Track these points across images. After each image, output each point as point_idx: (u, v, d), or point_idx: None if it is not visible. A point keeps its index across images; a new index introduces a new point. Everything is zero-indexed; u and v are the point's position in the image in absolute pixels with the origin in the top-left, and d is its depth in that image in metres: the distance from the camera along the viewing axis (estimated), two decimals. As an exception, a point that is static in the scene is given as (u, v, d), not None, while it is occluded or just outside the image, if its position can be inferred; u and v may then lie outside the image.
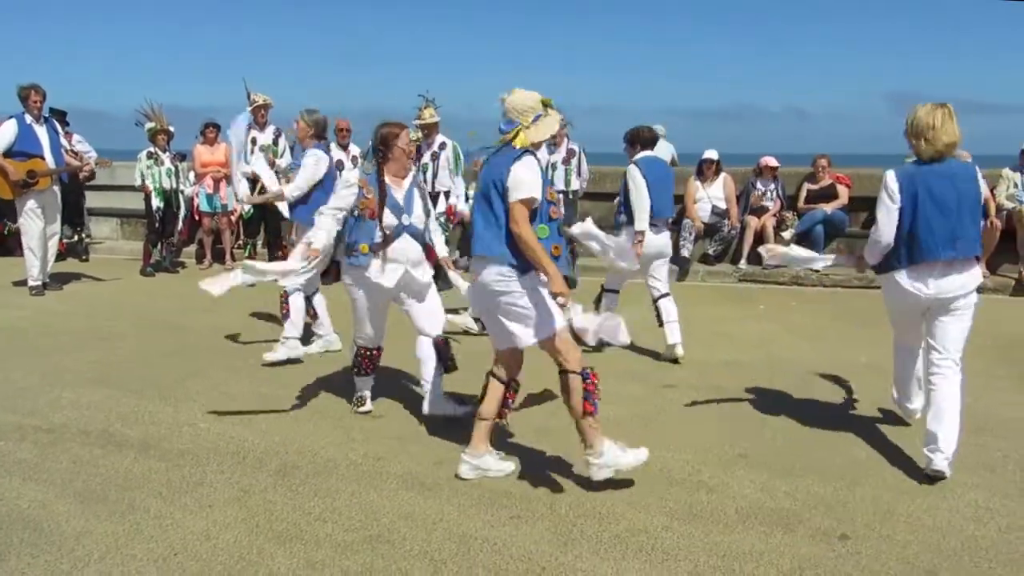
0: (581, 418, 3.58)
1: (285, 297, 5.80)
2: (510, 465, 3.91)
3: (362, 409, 4.74)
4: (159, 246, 9.91)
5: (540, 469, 3.94)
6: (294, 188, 5.80)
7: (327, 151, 5.98)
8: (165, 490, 3.71)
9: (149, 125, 9.49)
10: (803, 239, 9.02)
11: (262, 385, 5.27)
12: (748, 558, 3.12)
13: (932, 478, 3.75)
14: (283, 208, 6.19)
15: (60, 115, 9.80)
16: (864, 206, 9.79)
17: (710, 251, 9.70)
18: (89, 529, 3.33)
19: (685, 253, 9.28)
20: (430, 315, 4.62)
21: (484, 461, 3.84)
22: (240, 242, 10.57)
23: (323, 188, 5.58)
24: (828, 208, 9.45)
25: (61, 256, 10.14)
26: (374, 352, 4.71)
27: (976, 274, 3.89)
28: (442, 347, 4.60)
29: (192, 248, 10.64)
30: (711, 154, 9.63)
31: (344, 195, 4.38)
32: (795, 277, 9.10)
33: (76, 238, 10.70)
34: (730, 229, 9.60)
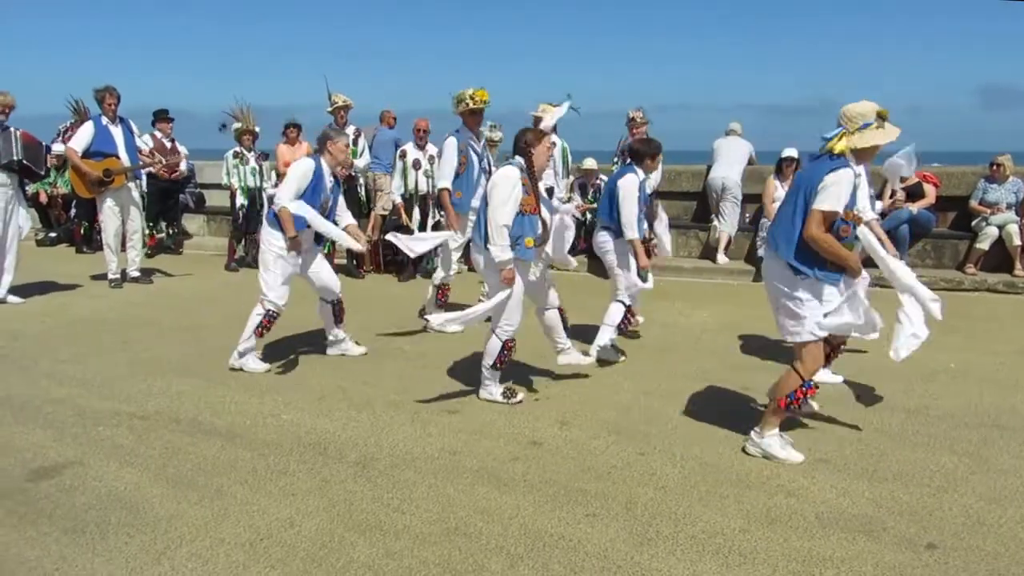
0: (774, 406, 3.96)
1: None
2: (797, 455, 3.99)
3: (515, 400, 4.88)
4: (243, 242, 10.24)
5: (615, 468, 3.94)
6: None
7: None
8: (251, 478, 3.85)
9: (236, 125, 9.82)
10: (888, 238, 8.71)
11: (342, 379, 5.40)
12: (829, 564, 3.06)
13: None
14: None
15: (163, 113, 10.25)
16: (952, 206, 9.43)
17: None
18: (180, 512, 3.48)
19: (762, 253, 9.09)
20: (552, 288, 5.10)
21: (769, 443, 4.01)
22: (320, 239, 10.85)
23: None
24: (914, 207, 9.13)
25: (153, 251, 10.62)
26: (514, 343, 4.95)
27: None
28: (563, 314, 5.17)
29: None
30: (791, 152, 9.38)
31: (516, 194, 4.58)
32: (877, 278, 8.77)
33: (172, 231, 11.27)
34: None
